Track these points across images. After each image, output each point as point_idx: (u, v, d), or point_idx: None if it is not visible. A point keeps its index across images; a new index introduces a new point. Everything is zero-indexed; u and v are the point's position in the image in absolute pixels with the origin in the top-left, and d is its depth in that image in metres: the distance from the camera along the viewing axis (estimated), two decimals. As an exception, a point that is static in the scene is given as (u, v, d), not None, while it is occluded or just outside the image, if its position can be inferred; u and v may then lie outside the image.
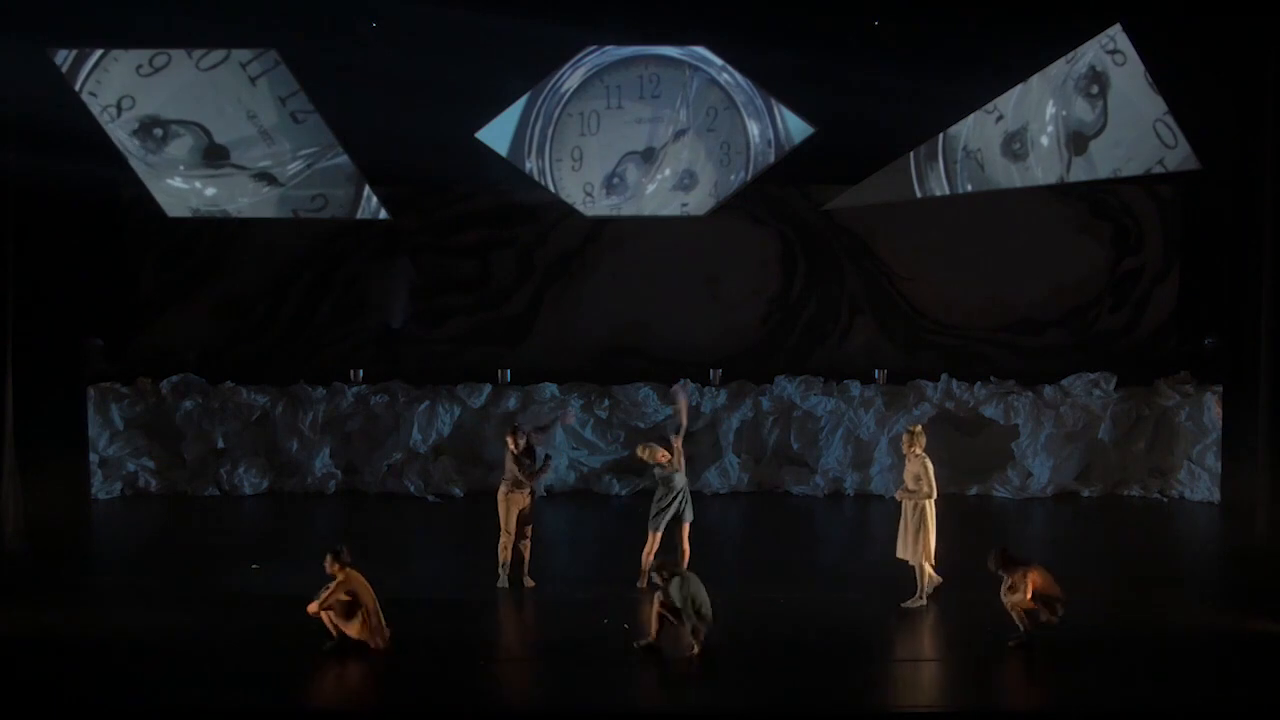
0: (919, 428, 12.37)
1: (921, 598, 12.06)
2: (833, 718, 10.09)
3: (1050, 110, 14.28)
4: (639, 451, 12.72)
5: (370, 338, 18.56)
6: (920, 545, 12.01)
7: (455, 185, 18.13)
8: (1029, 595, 10.81)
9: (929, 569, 12.07)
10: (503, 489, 12.78)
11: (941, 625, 11.75)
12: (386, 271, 18.54)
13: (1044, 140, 14.40)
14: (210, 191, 15.33)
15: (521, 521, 12.73)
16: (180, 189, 15.34)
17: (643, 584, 12.49)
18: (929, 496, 11.98)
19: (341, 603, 10.81)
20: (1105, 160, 14.20)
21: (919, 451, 12.11)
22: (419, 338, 18.57)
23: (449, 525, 16.35)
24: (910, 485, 12.07)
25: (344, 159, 15.12)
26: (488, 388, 17.82)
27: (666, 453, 12.49)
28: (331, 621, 10.85)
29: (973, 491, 17.35)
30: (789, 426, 17.86)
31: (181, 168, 15.16)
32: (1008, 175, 14.74)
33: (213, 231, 17.93)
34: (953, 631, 11.60)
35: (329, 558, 10.86)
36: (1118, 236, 18.44)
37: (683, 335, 18.39)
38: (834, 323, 18.70)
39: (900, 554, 12.21)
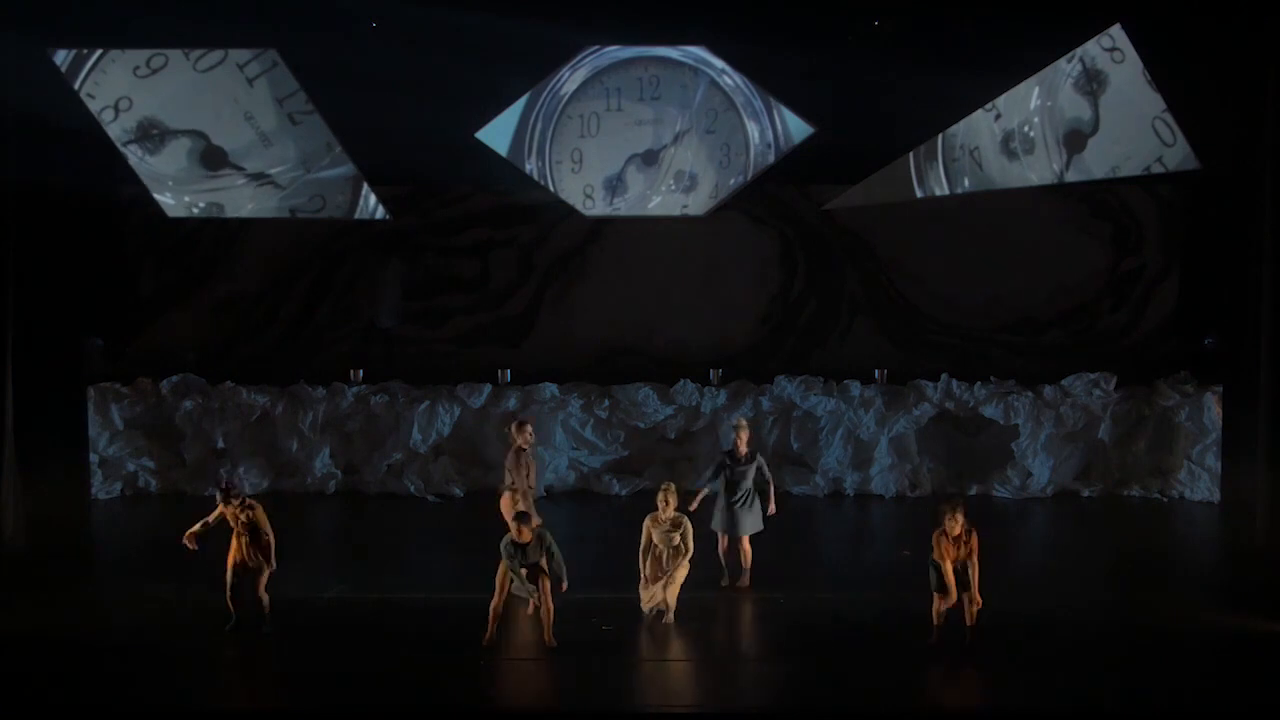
0: (670, 486, 11.72)
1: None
2: (841, 718, 10.12)
3: (1036, 101, 14.29)
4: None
5: (366, 337, 18.57)
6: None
7: (455, 185, 18.13)
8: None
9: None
10: (513, 496, 12.61)
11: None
12: (378, 272, 18.55)
13: (1032, 133, 14.41)
14: (206, 200, 15.34)
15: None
16: (177, 199, 15.38)
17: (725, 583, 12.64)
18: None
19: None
20: (1104, 158, 14.21)
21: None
22: (411, 338, 18.57)
23: (449, 525, 16.34)
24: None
25: (342, 166, 15.13)
26: (488, 388, 17.81)
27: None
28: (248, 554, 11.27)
29: (973, 491, 17.33)
30: (789, 426, 17.86)
31: (176, 176, 15.16)
32: (1005, 174, 14.76)
33: (213, 231, 17.95)
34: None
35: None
36: (1118, 236, 18.43)
37: (683, 335, 18.39)
38: (834, 323, 18.70)
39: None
